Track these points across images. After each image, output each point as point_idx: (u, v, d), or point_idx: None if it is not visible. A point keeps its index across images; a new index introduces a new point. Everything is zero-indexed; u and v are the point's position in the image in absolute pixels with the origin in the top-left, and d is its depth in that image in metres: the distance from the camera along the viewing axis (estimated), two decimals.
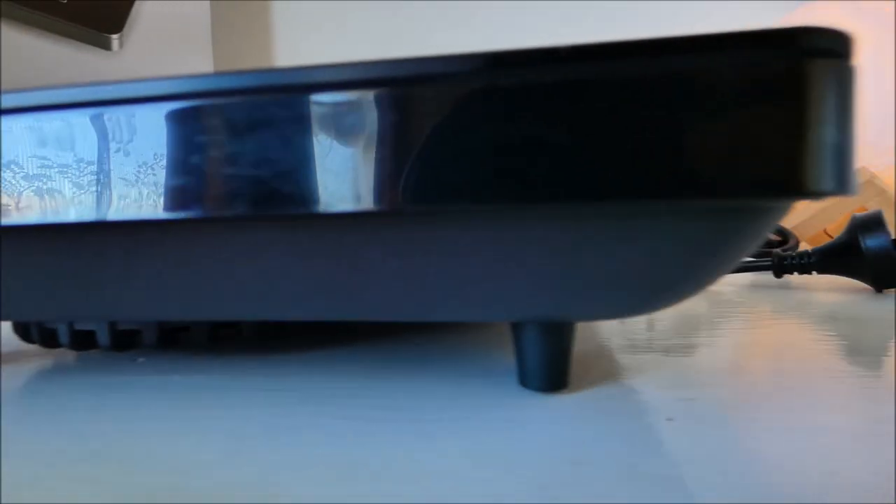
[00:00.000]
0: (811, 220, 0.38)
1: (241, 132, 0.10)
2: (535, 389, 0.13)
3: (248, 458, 0.10)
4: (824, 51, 0.08)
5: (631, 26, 0.62)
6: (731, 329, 0.19)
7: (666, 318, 0.21)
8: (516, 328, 0.13)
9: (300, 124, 0.10)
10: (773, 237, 0.36)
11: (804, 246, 0.35)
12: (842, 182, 0.09)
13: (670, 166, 0.09)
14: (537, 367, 0.13)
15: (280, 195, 0.10)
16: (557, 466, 0.09)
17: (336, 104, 0.10)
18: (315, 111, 0.10)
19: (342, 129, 0.10)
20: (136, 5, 0.53)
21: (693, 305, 0.23)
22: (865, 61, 0.35)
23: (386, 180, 0.10)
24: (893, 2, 0.35)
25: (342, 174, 0.10)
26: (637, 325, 0.19)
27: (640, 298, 0.11)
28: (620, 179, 0.09)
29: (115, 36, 0.52)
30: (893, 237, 0.25)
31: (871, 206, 0.37)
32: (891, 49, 0.35)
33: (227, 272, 0.12)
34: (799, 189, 0.09)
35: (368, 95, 0.10)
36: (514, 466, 0.09)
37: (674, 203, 0.09)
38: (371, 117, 0.10)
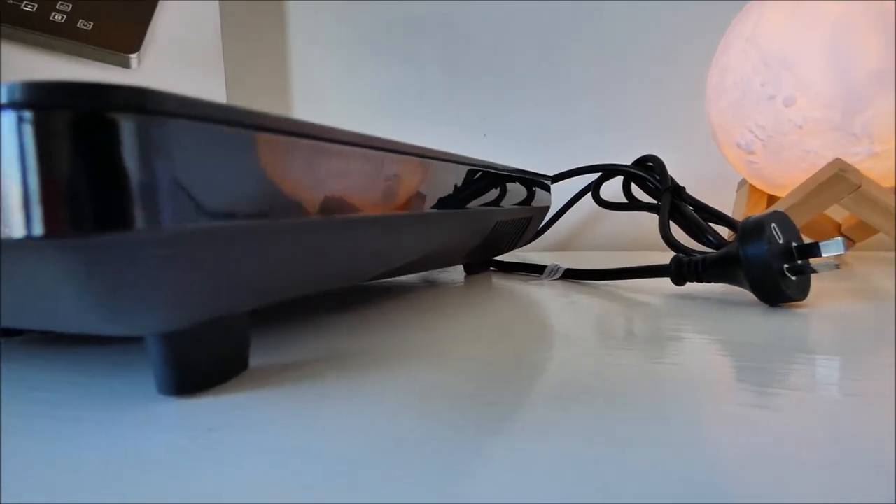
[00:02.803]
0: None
1: None
2: (160, 392, 0.14)
3: None
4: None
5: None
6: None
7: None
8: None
9: None
10: (729, 234, 0.32)
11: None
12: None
13: None
14: (156, 372, 0.14)
15: None
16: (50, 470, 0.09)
17: None
18: None
19: None
20: (151, 25, 0.59)
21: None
22: (832, 37, 0.29)
23: None
24: None
25: None
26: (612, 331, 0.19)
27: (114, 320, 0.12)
28: None
29: (133, 55, 0.58)
30: (793, 244, 0.22)
31: (845, 204, 0.31)
32: (854, 28, 0.29)
33: None
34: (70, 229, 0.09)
35: None
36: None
37: None
38: None
